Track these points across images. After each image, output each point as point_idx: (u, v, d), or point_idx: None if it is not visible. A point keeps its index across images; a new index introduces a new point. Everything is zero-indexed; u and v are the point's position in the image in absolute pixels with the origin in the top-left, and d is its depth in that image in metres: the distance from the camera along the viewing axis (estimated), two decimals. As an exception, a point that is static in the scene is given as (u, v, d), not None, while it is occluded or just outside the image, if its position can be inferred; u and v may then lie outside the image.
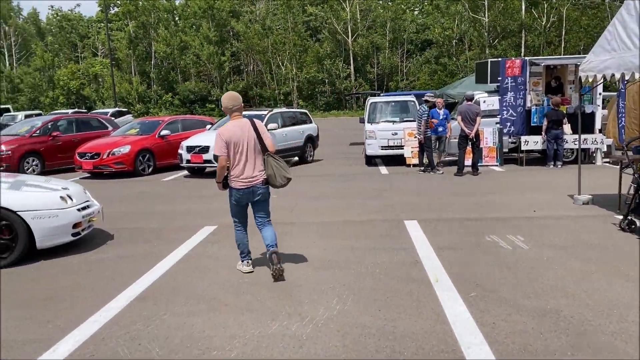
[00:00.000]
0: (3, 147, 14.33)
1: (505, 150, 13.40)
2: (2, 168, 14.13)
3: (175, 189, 11.28)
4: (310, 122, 16.18)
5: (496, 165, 13.00)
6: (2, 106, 36.49)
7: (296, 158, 15.58)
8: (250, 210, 5.35)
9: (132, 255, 6.15)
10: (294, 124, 15.28)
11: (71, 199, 6.33)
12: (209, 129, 14.77)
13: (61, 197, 6.20)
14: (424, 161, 12.54)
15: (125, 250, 6.38)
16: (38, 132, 15.15)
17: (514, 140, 13.41)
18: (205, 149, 12.83)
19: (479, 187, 10.14)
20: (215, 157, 5.12)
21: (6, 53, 61.65)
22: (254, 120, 5.23)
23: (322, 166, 14.55)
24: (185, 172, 13.87)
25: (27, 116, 28.17)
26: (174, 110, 49.68)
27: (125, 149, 13.69)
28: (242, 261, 5.42)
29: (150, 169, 14.10)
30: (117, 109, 33.97)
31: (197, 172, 13.63)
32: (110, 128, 17.06)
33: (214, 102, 51.81)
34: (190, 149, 13.16)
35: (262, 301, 4.54)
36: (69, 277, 5.40)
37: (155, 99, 51.80)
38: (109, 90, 45.33)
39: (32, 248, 5.94)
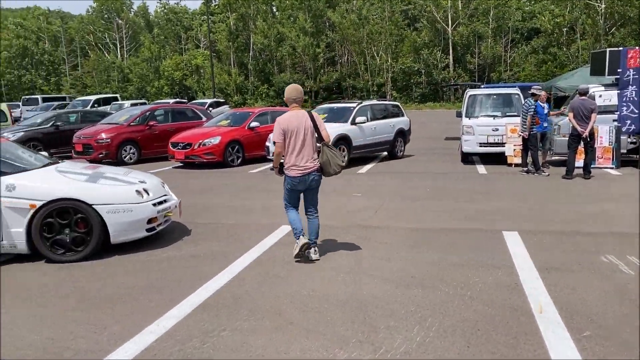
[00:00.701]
0: (104, 135, 14.95)
1: (623, 151, 11.85)
2: (101, 155, 14.76)
3: (260, 182, 11.05)
4: (402, 116, 15.39)
5: (611, 168, 11.53)
6: (111, 95, 38.93)
7: (385, 153, 14.89)
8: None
9: (204, 254, 5.87)
10: (384, 117, 14.58)
11: (147, 194, 6.16)
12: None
13: (137, 192, 6.04)
14: (528, 161, 11.38)
15: (198, 248, 6.12)
16: (136, 121, 15.64)
17: (634, 140, 11.82)
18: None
19: (592, 193, 8.93)
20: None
21: (118, 45, 65.90)
22: (312, 112, 5.54)
23: (413, 163, 13.75)
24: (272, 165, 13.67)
25: (133, 105, 29.70)
26: (269, 101, 50.50)
27: (216, 140, 13.73)
28: (297, 239, 5.54)
29: (239, 160, 14.06)
30: (214, 99, 34.94)
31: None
32: (204, 119, 17.30)
33: (308, 94, 52.06)
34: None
35: (331, 322, 4.00)
36: (137, 276, 5.19)
37: (252, 90, 52.96)
38: (209, 81, 46.87)
39: (107, 242, 5.83)
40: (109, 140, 14.81)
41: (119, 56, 64.66)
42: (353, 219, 7.31)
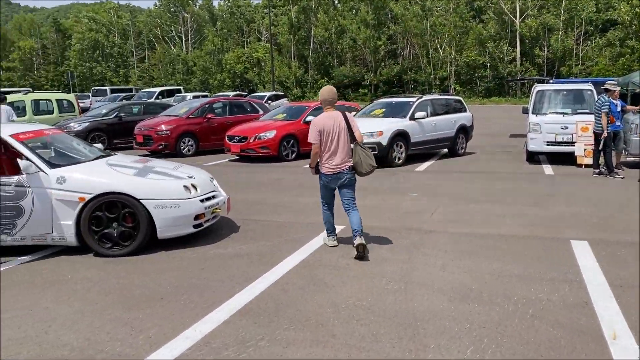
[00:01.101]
0: (163, 127, 15.19)
1: None
2: (161, 146, 15.01)
3: (313, 178, 10.75)
4: (465, 111, 14.74)
5: (696, 172, 10.53)
6: (175, 87, 39.92)
7: (445, 150, 14.32)
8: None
9: (250, 253, 5.69)
10: (445, 113, 14.00)
11: (195, 189, 6.05)
12: (354, 116, 14.15)
13: (185, 187, 5.94)
14: (600, 162, 10.57)
15: (245, 247, 5.95)
16: (194, 113, 15.80)
17: None
18: (347, 137, 12.22)
19: (673, 200, 8.13)
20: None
21: (183, 38, 67.60)
22: (345, 112, 5.64)
23: (475, 161, 13.13)
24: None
25: (195, 97, 30.27)
26: (329, 94, 50.21)
27: (271, 134, 13.64)
28: (328, 236, 5.95)
29: (294, 155, 13.92)
30: (273, 92, 35.10)
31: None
32: (261, 112, 17.28)
33: (367, 87, 51.48)
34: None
35: (376, 337, 3.70)
36: (181, 274, 5.07)
37: (311, 83, 52.95)
38: (269, 74, 47.22)
39: (154, 238, 5.77)
40: (168, 132, 15.03)
41: (184, 49, 66.36)
42: (407, 221, 6.94)
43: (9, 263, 5.48)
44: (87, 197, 5.54)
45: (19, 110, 18.29)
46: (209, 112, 16.07)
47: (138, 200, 5.61)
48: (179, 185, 5.91)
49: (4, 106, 14.66)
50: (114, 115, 17.50)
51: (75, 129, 16.52)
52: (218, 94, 38.68)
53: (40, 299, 4.51)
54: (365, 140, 12.26)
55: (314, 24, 53.81)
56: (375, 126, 12.24)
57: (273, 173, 11.59)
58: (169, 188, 5.83)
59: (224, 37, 62.32)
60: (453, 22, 48.24)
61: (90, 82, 63.46)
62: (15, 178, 5.43)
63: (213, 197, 6.29)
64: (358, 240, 5.40)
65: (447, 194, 8.77)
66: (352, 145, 5.56)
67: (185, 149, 15.24)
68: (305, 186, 9.80)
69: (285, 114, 15.17)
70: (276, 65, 50.84)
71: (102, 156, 6.53)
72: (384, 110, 13.54)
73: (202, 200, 6.01)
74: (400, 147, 12.39)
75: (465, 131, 14.41)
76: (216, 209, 6.24)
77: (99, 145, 7.17)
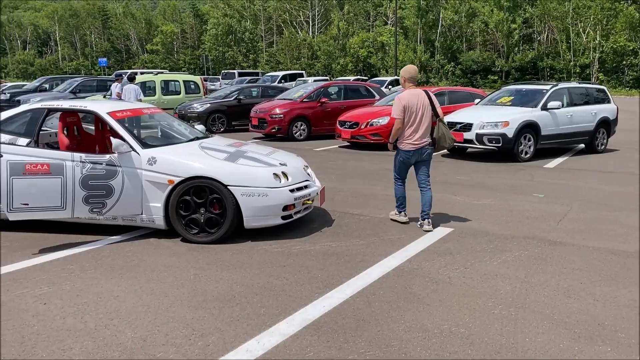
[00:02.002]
0: (277, 110, 15.10)
1: None
2: (274, 130, 14.95)
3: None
4: (608, 102, 12.86)
5: None
6: (298, 71, 40.40)
7: (582, 146, 12.62)
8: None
9: (338, 253, 5.12)
10: (585, 103, 12.29)
11: (286, 177, 5.60)
12: (477, 104, 12.94)
13: (274, 175, 5.51)
14: None
15: (334, 244, 5.39)
16: (308, 97, 15.54)
17: None
18: (467, 127, 11.15)
19: None
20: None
21: (310, 22, 68.42)
22: (427, 90, 5.90)
23: (616, 159, 11.37)
24: (444, 151, 12.43)
25: (315, 81, 30.30)
26: (455, 80, 48.09)
27: (384, 120, 12.91)
28: (399, 213, 6.17)
29: (408, 143, 13.09)
30: (395, 77, 34.12)
31: (457, 153, 12.06)
32: (377, 97, 16.60)
33: (497, 74, 48.40)
34: (450, 125, 11.63)
35: (472, 380, 2.95)
36: (259, 271, 4.64)
37: (437, 68, 50.98)
38: (393, 58, 46.15)
39: (240, 227, 5.41)
40: (281, 115, 14.91)
41: (310, 34, 67.25)
42: (528, 228, 5.94)
43: (96, 242, 5.43)
44: (176, 180, 5.31)
45: (150, 89, 19.38)
46: (323, 96, 15.71)
47: (226, 186, 5.27)
48: (269, 173, 5.48)
49: (133, 85, 15.52)
50: (233, 97, 17.83)
51: (197, 110, 17.08)
52: (338, 78, 38.52)
53: (113, 285, 4.32)
54: (488, 131, 11.14)
55: (443, 7, 51.54)
56: (501, 115, 11.03)
57: (383, 162, 10.91)
58: (258, 175, 5.42)
59: (349, 22, 62.08)
60: (600, 3, 43.50)
61: (223, 66, 66.68)
62: (107, 157, 5.34)
63: (305, 187, 5.80)
64: (426, 227, 5.83)
65: (579, 198, 7.51)
66: (436, 121, 5.82)
67: (298, 133, 15.04)
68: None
69: (401, 100, 14.33)
70: (401, 49, 49.59)
71: (198, 138, 6.31)
72: (512, 98, 12.20)
73: (292, 190, 5.55)
74: (529, 140, 11.05)
75: (607, 125, 12.57)
76: (307, 200, 5.75)
77: (200, 127, 6.98)
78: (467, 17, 50.20)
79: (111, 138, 5.47)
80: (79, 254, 5.05)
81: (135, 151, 5.42)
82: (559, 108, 11.38)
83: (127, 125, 5.74)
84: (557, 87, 11.93)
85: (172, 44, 78.52)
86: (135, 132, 5.80)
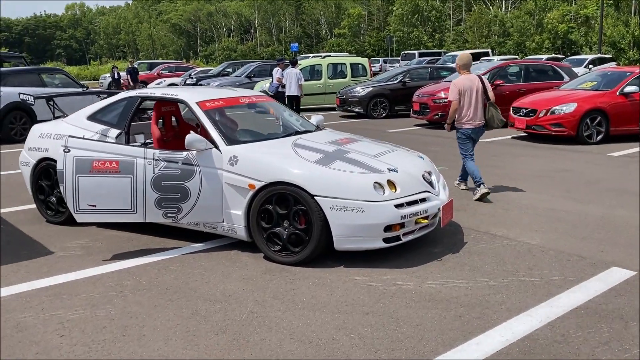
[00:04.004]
0: (442, 95, 13.48)
1: None
2: (437, 116, 13.40)
3: (617, 173, 7.71)
4: None
5: None
6: (482, 50, 37.23)
7: None
8: None
9: (450, 299, 3.71)
10: None
11: (393, 188, 4.31)
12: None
13: (376, 184, 4.26)
14: None
15: (451, 284, 3.96)
16: (481, 79, 13.59)
17: None
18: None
19: None
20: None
21: (503, -2, 63.05)
22: (481, 76, 6.48)
23: None
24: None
25: (501, 60, 27.42)
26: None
27: (569, 108, 10.56)
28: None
29: (599, 137, 10.55)
30: (599, 55, 29.36)
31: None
32: (566, 79, 13.92)
33: None
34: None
35: None
36: (331, 318, 3.49)
37: (656, 43, 42.92)
38: (598, 33, 39.97)
39: (331, 247, 4.31)
40: (446, 100, 13.22)
41: (502, 9, 62.08)
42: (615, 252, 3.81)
43: (173, 251, 4.77)
44: (258, 184, 4.39)
45: (317, 73, 19.07)
46: (498, 78, 13.61)
47: (312, 196, 4.19)
48: (368, 182, 4.25)
49: (294, 69, 15.18)
50: (398, 80, 16.55)
51: (359, 94, 16.22)
52: (529, 57, 34.53)
53: (148, 318, 3.54)
54: None
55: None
56: None
57: (560, 160, 8.80)
58: (353, 184, 4.22)
59: (549, -6, 55.61)
60: None
61: (408, 47, 65.15)
62: (184, 154, 4.60)
63: (422, 200, 4.44)
64: (483, 190, 6.28)
65: None
66: (487, 104, 6.35)
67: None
68: (598, 186, 6.91)
69: (595, 82, 11.65)
70: (609, 23, 42.86)
71: (298, 132, 5.28)
72: None
73: (399, 205, 4.24)
74: None
75: None
76: (422, 218, 4.38)
77: (316, 118, 5.93)
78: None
79: (192, 132, 4.72)
80: (145, 265, 4.44)
81: (218, 148, 4.61)
82: None
83: (216, 117, 4.97)
84: None
85: (358, 27, 79.17)
86: (224, 124, 5.00)
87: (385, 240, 4.27)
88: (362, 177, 4.28)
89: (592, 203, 6.13)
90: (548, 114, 10.66)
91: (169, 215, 4.61)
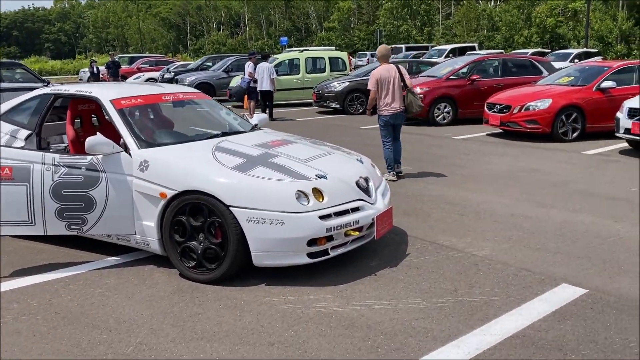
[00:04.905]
0: (418, 90, 12.96)
1: None
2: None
3: (590, 174, 7.29)
4: None
5: None
6: (469, 44, 36.79)
7: None
8: None
9: (372, 325, 3.26)
10: None
11: (320, 197, 3.86)
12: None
13: (299, 193, 3.80)
14: None
15: (378, 306, 3.52)
16: (457, 74, 13.15)
17: None
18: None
19: None
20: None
21: (492, -9, 62.58)
22: (398, 65, 6.97)
23: None
24: (624, 145, 9.31)
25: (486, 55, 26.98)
26: (668, 52, 39.68)
27: (544, 104, 10.14)
28: (389, 172, 7.03)
29: (575, 134, 10.16)
30: (584, 49, 29.01)
31: (643, 149, 8.90)
32: (545, 73, 13.49)
33: None
34: (633, 112, 8.54)
35: None
36: (238, 348, 3.04)
37: (643, 37, 42.67)
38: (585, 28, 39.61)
39: (250, 263, 3.85)
40: (421, 95, 12.70)
41: (491, 3, 61.64)
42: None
43: (85, 265, 4.30)
44: (169, 193, 3.91)
45: (295, 67, 18.53)
46: (476, 72, 13.16)
47: (227, 206, 3.73)
48: (290, 190, 3.78)
49: (266, 64, 14.67)
50: (375, 74, 16.06)
51: (335, 90, 15.75)
52: (515, 51, 34.11)
53: (25, 350, 3.08)
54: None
55: (658, -37, 42.70)
56: None
57: (531, 159, 8.38)
58: (272, 193, 3.76)
59: (538, -13, 55.18)
60: None
61: (396, 41, 64.58)
62: (88, 159, 4.12)
63: (354, 209, 3.99)
64: (397, 169, 7.12)
65: None
66: (405, 91, 6.82)
67: (440, 117, 12.81)
68: (568, 188, 6.49)
69: (572, 77, 11.23)
70: (598, 17, 42.57)
71: (226, 133, 4.79)
72: None
73: (325, 217, 3.79)
74: None
75: None
76: (353, 230, 3.93)
77: (258, 117, 5.46)
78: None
79: (97, 134, 4.22)
80: (44, 284, 3.96)
81: (128, 152, 4.13)
82: None
83: (133, 116, 4.49)
84: None
85: (348, 21, 78.53)
86: (143, 125, 4.52)
87: (310, 255, 3.81)
88: (284, 185, 3.82)
89: (555, 207, 5.71)
90: (522, 110, 10.24)
91: (72, 227, 4.13)
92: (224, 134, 4.73)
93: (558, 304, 3.49)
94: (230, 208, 3.72)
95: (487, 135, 11.10)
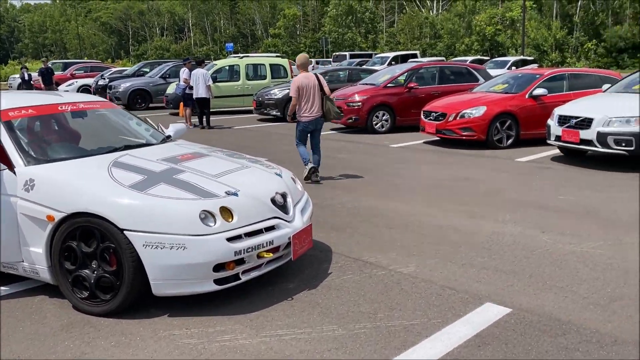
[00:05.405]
0: (356, 97, 12.87)
1: None
2: (350, 120, 12.76)
3: (526, 180, 7.27)
4: None
5: None
6: (411, 52, 37.34)
7: None
8: None
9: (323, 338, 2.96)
10: None
11: (229, 217, 3.52)
12: (605, 91, 9.63)
13: (205, 213, 3.44)
14: None
15: (290, 336, 3.21)
16: (394, 82, 13.10)
17: None
18: (586, 123, 8.13)
19: None
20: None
21: (434, 0, 64.04)
22: (317, 74, 7.28)
23: None
24: (556, 152, 9.42)
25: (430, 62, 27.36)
26: (596, 61, 41.68)
27: (479, 111, 10.17)
28: (306, 165, 7.32)
29: (509, 141, 10.23)
30: (521, 57, 29.90)
31: (572, 155, 9.01)
32: (481, 81, 13.65)
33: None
34: (563, 119, 8.64)
35: None
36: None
37: (574, 46, 44.67)
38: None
39: (149, 292, 3.46)
40: (360, 103, 12.63)
41: (433, 12, 63.04)
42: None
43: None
44: (57, 216, 3.48)
45: (235, 74, 18.08)
46: (413, 80, 13.15)
47: (121, 230, 3.34)
48: (193, 210, 3.42)
49: (201, 70, 14.18)
50: (320, 81, 15.85)
51: (275, 97, 15.44)
52: (456, 59, 34.84)
53: None
54: (615, 130, 7.93)
55: (587, -24, 44.96)
56: (633, 108, 7.86)
57: (464, 167, 8.32)
58: (173, 214, 3.39)
59: (477, -3, 56.87)
60: None
61: (342, 48, 64.97)
62: (-37, 178, 3.64)
63: (270, 228, 3.68)
64: (314, 178, 7.30)
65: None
66: (323, 98, 7.08)
67: (379, 125, 12.70)
68: (503, 195, 6.40)
69: (506, 85, 11.37)
70: (533, 26, 44.22)
71: (129, 147, 4.37)
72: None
73: (233, 238, 3.45)
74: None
75: None
76: (266, 251, 3.62)
77: (174, 128, 5.08)
78: (617, -14, 43.25)
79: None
80: None
81: (12, 169, 3.67)
82: None
83: (20, 129, 4.02)
84: None
85: (294, 27, 78.50)
86: (34, 138, 4.06)
87: (218, 281, 3.47)
88: (186, 205, 3.46)
89: (484, 218, 5.59)
90: (458, 118, 10.24)
91: (-54, 255, 3.63)
92: (127, 147, 4.31)
93: (480, 326, 3.29)
94: (125, 232, 3.33)
95: (424, 143, 11.06)
